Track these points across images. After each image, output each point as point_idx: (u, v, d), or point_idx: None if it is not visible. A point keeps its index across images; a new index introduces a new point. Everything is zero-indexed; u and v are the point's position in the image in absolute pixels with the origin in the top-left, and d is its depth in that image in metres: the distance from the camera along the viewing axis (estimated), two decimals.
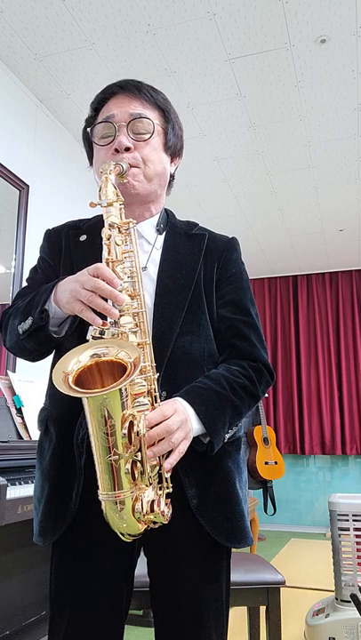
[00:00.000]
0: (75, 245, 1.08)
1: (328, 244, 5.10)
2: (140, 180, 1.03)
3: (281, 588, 1.68)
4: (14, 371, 2.60)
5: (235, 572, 1.69)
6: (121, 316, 0.87)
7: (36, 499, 1.00)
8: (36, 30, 2.51)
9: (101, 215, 0.94)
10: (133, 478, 0.79)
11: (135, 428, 0.79)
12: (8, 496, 1.63)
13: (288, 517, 5.43)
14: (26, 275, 1.16)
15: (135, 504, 0.80)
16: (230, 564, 1.03)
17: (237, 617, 2.65)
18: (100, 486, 0.80)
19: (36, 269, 1.13)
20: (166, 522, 0.84)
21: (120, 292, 0.86)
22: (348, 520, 2.16)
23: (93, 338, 0.84)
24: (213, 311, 1.06)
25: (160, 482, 0.87)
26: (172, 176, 1.15)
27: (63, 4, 2.36)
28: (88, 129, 1.09)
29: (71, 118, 3.13)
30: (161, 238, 1.10)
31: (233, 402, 0.98)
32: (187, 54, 2.67)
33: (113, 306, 0.85)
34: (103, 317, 0.86)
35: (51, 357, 1.06)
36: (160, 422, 0.84)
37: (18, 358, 2.22)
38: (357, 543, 2.14)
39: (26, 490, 1.71)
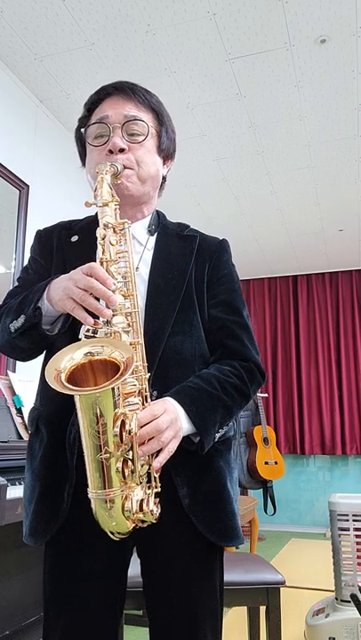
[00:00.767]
0: (67, 246, 1.08)
1: (328, 243, 5.10)
2: (133, 182, 1.04)
3: (281, 588, 1.68)
4: (14, 371, 2.60)
5: (235, 571, 1.69)
6: (114, 315, 0.87)
7: (26, 499, 1.00)
8: (36, 30, 2.51)
9: (93, 216, 0.94)
10: (124, 477, 0.80)
11: (127, 427, 0.79)
12: (8, 496, 1.63)
13: (288, 517, 5.43)
14: None
15: (125, 503, 0.80)
16: (223, 563, 1.03)
17: (237, 617, 2.65)
18: (90, 484, 0.80)
19: (26, 269, 1.13)
20: (155, 521, 0.84)
21: (113, 292, 0.86)
22: (348, 520, 2.16)
23: (86, 337, 0.85)
24: (205, 312, 1.07)
25: (149, 481, 0.87)
26: (164, 178, 1.16)
27: (63, 4, 2.36)
28: (82, 129, 1.09)
29: (71, 118, 3.13)
30: (153, 239, 1.11)
31: (224, 401, 0.98)
32: (187, 54, 2.67)
33: (106, 306, 0.85)
34: (95, 316, 0.86)
35: (42, 357, 1.06)
36: (150, 422, 0.84)
37: None
38: (357, 543, 2.14)
39: None
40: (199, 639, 0.94)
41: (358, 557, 2.13)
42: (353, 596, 2.06)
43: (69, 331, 0.95)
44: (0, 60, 2.70)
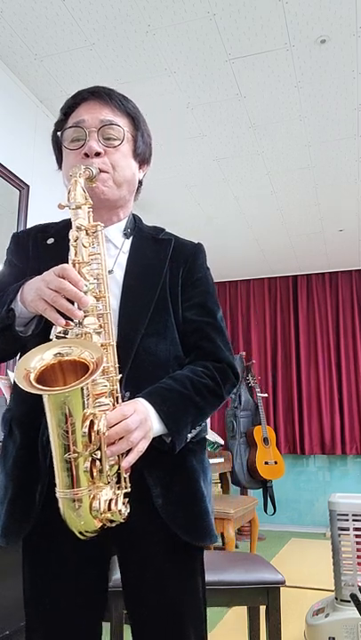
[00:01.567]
0: (42, 248, 1.09)
1: (328, 244, 5.10)
2: (109, 186, 1.05)
3: (281, 588, 1.68)
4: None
5: (235, 571, 1.69)
6: (85, 316, 0.88)
7: None
8: (36, 30, 2.51)
9: (69, 219, 0.95)
10: (92, 476, 0.80)
11: (96, 427, 0.80)
12: None
13: (288, 517, 5.43)
14: None
15: (93, 502, 0.81)
16: (204, 563, 1.03)
17: (237, 617, 2.65)
18: (57, 484, 0.81)
19: (2, 272, 1.13)
20: (123, 520, 0.85)
21: (85, 293, 0.87)
22: (347, 520, 2.16)
23: (57, 337, 0.85)
24: (179, 314, 1.08)
25: (119, 481, 0.87)
26: (140, 182, 1.17)
27: (63, 4, 2.37)
28: (58, 133, 1.10)
29: None
30: (128, 242, 1.12)
31: (196, 402, 0.99)
32: (187, 54, 2.67)
33: (77, 307, 0.86)
34: (68, 317, 0.86)
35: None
36: (119, 422, 0.85)
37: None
38: (357, 543, 2.14)
39: None
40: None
41: (358, 557, 2.13)
42: (353, 596, 2.06)
43: (42, 332, 0.95)
44: (0, 60, 2.70)
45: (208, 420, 5.95)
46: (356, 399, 5.47)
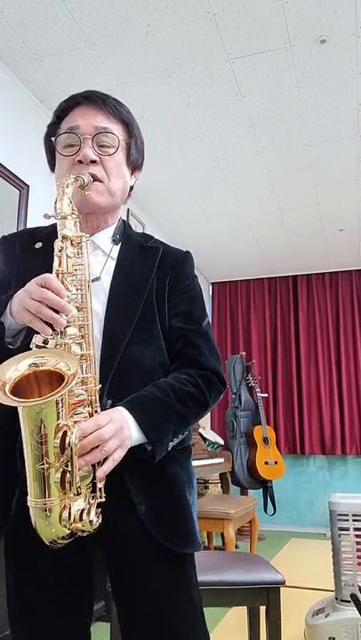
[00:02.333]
0: (30, 252, 1.09)
1: (328, 244, 5.10)
2: (102, 193, 1.05)
3: (281, 588, 1.68)
4: None
5: (235, 571, 1.69)
6: (67, 327, 0.88)
7: None
8: (36, 30, 2.51)
9: None
10: (63, 487, 0.81)
11: (67, 439, 0.80)
12: None
13: (288, 517, 5.43)
14: None
15: (63, 512, 0.81)
16: (195, 565, 1.02)
17: (237, 617, 2.65)
18: (29, 492, 0.81)
19: None
20: (93, 531, 0.85)
21: (68, 302, 0.87)
22: (347, 520, 2.16)
23: (37, 346, 0.85)
24: (165, 322, 1.08)
25: (93, 491, 0.87)
26: (131, 188, 1.17)
27: (63, 4, 2.36)
28: (51, 137, 1.10)
29: None
30: (116, 249, 1.11)
31: (178, 410, 0.98)
32: (187, 54, 2.67)
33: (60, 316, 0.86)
34: (53, 327, 0.87)
35: None
36: (93, 431, 0.84)
37: None
38: (357, 543, 2.14)
39: None
40: None
41: (358, 557, 2.13)
42: (353, 596, 2.06)
43: (29, 343, 0.96)
44: (0, 60, 2.70)
45: (208, 420, 5.94)
46: (357, 399, 5.47)
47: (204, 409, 1.05)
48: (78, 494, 0.83)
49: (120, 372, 0.98)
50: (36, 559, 0.96)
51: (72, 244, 0.94)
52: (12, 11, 2.40)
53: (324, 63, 2.74)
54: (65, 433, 0.80)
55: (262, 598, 1.67)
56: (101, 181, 1.04)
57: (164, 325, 1.07)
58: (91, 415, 0.88)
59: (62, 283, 0.89)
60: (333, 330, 5.69)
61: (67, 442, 0.80)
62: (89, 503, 0.86)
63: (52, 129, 1.10)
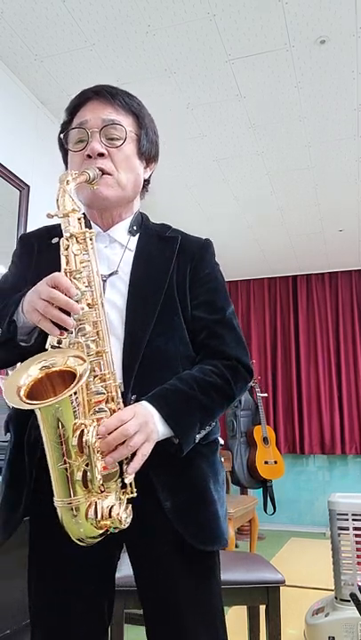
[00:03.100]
0: (46, 248, 1.08)
1: (328, 244, 5.10)
2: (112, 186, 1.04)
3: (281, 588, 1.68)
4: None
5: (235, 571, 1.69)
6: (81, 324, 0.88)
7: None
8: (36, 31, 2.52)
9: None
10: (85, 486, 0.80)
11: (85, 437, 0.80)
12: None
13: (288, 517, 5.43)
14: None
15: (89, 510, 0.81)
16: (219, 563, 1.02)
17: (237, 616, 2.65)
18: (55, 493, 0.81)
19: (6, 276, 1.13)
20: (124, 527, 0.84)
21: (77, 301, 0.86)
22: (347, 519, 2.17)
23: (52, 347, 0.86)
24: (188, 313, 1.06)
25: (124, 487, 0.86)
26: (146, 181, 1.16)
27: (63, 4, 2.37)
28: (61, 135, 1.10)
29: None
30: (134, 240, 1.10)
31: (202, 402, 0.97)
32: (187, 55, 2.68)
33: (70, 315, 0.86)
34: (63, 327, 0.86)
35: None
36: (117, 428, 0.83)
37: None
38: (357, 542, 2.15)
39: None
40: None
41: (358, 557, 2.14)
42: (352, 596, 2.06)
43: (44, 340, 0.95)
44: (0, 61, 2.70)
45: None
46: (356, 399, 5.47)
47: (230, 400, 1.03)
48: (102, 492, 0.83)
49: (144, 365, 0.97)
50: (57, 555, 0.96)
51: (77, 241, 0.93)
52: (13, 11, 2.40)
53: (323, 64, 2.74)
54: (82, 432, 0.80)
55: (262, 598, 1.67)
56: (110, 174, 1.03)
57: (186, 316, 1.05)
58: (113, 412, 0.88)
59: (72, 281, 0.88)
60: (333, 330, 5.69)
61: (84, 440, 0.80)
62: (119, 499, 0.85)
63: (65, 127, 1.10)
